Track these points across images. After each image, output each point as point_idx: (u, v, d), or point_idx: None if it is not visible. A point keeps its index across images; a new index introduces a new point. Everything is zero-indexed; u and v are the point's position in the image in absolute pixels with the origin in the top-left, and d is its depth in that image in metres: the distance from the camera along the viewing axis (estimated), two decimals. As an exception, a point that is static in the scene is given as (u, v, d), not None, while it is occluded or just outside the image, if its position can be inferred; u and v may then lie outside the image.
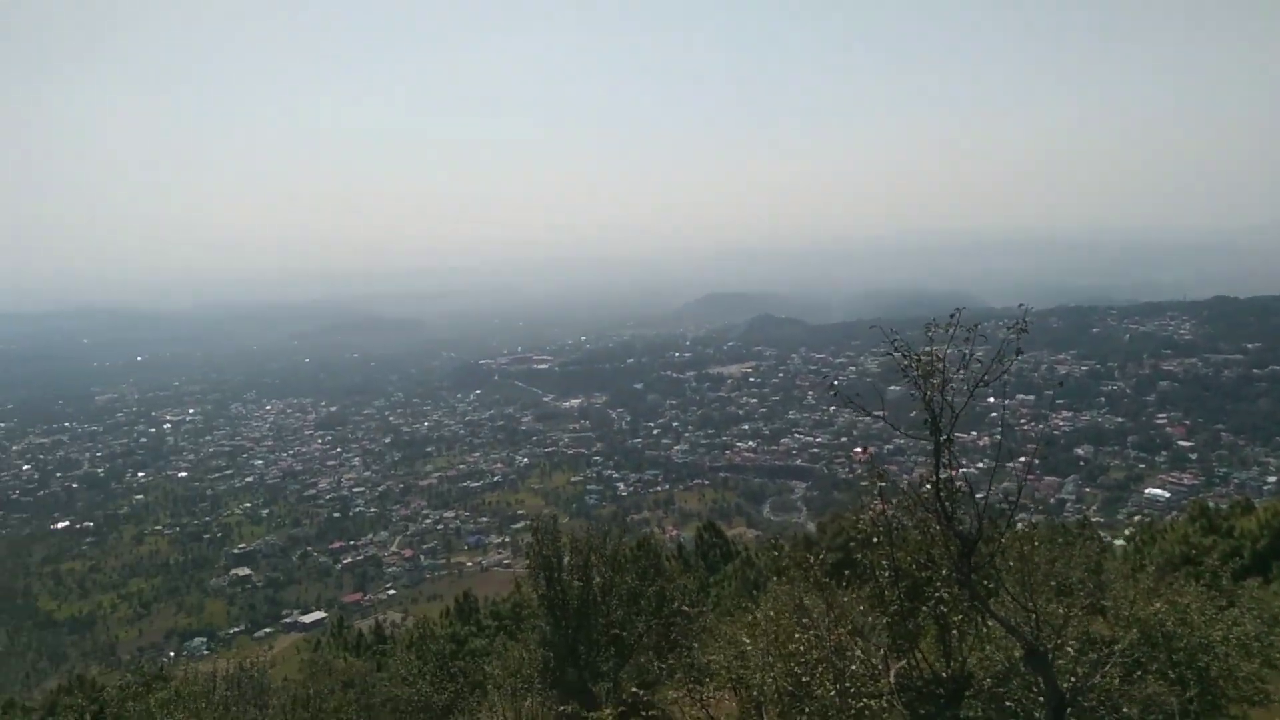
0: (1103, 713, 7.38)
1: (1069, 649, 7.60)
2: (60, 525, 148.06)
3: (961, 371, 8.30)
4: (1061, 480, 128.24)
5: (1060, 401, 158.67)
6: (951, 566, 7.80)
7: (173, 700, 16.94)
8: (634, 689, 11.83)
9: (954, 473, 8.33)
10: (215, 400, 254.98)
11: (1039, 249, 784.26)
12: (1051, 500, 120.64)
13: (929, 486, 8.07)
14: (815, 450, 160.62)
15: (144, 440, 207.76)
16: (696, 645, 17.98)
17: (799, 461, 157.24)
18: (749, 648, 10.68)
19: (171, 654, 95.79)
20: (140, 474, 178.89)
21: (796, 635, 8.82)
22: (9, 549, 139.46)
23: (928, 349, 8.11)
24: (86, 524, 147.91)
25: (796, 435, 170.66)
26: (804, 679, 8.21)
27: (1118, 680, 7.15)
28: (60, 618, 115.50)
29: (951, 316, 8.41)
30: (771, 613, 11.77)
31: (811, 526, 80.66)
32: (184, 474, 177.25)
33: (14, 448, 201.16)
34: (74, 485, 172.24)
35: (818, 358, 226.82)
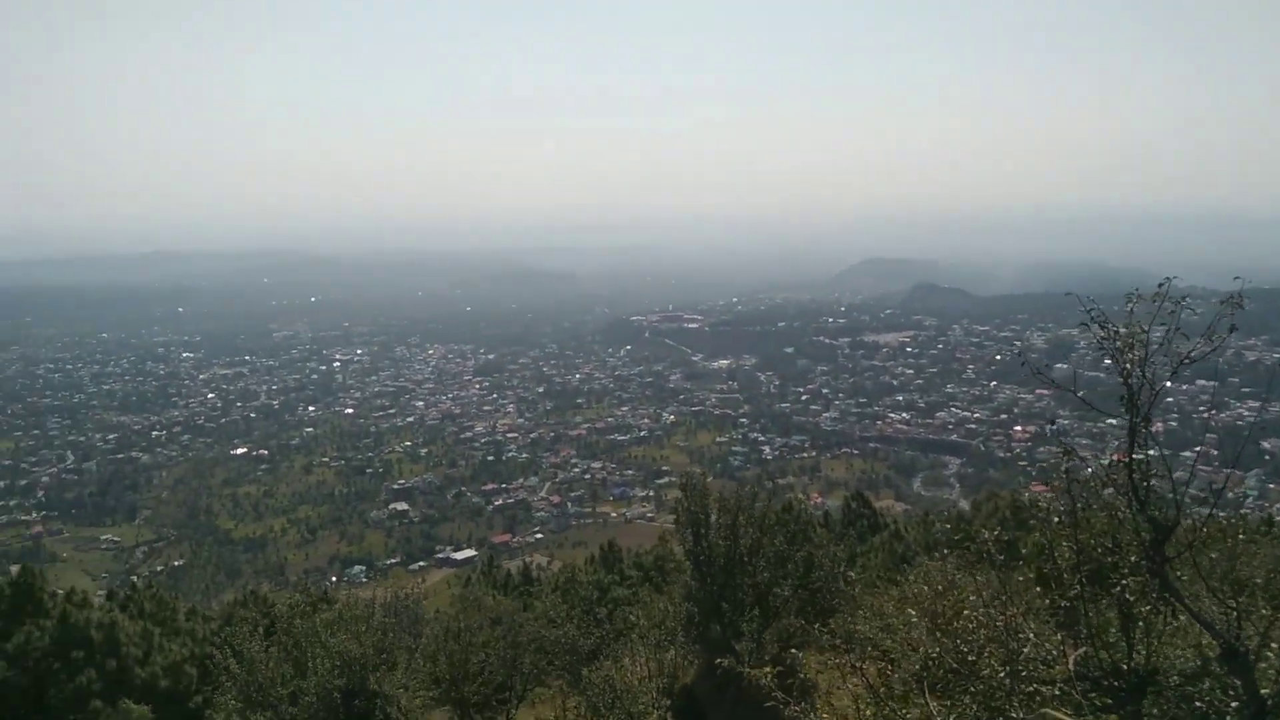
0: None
1: (1270, 653, 6.99)
2: (239, 451, 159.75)
3: (1160, 348, 7.69)
4: (1244, 474, 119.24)
5: (1246, 390, 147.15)
6: (1141, 554, 7.29)
7: (336, 621, 17.91)
8: (780, 649, 11.72)
9: (1147, 455, 7.76)
10: (381, 342, 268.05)
11: (1228, 227, 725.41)
12: (1231, 495, 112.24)
13: (1121, 465, 7.55)
14: (972, 426, 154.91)
15: (315, 377, 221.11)
16: (843, 611, 17.71)
17: (954, 437, 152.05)
18: (913, 619, 10.38)
19: (334, 579, 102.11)
20: (311, 408, 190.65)
21: (965, 613, 8.49)
22: (195, 470, 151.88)
23: (1129, 322, 7.54)
24: (261, 451, 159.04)
25: (953, 409, 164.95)
26: (970, 657, 7.89)
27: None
28: (237, 537, 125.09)
29: (1160, 287, 7.77)
30: (930, 587, 11.40)
31: (965, 504, 78.09)
32: (350, 410, 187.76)
33: (200, 377, 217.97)
34: (252, 415, 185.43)
35: (981, 330, 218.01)
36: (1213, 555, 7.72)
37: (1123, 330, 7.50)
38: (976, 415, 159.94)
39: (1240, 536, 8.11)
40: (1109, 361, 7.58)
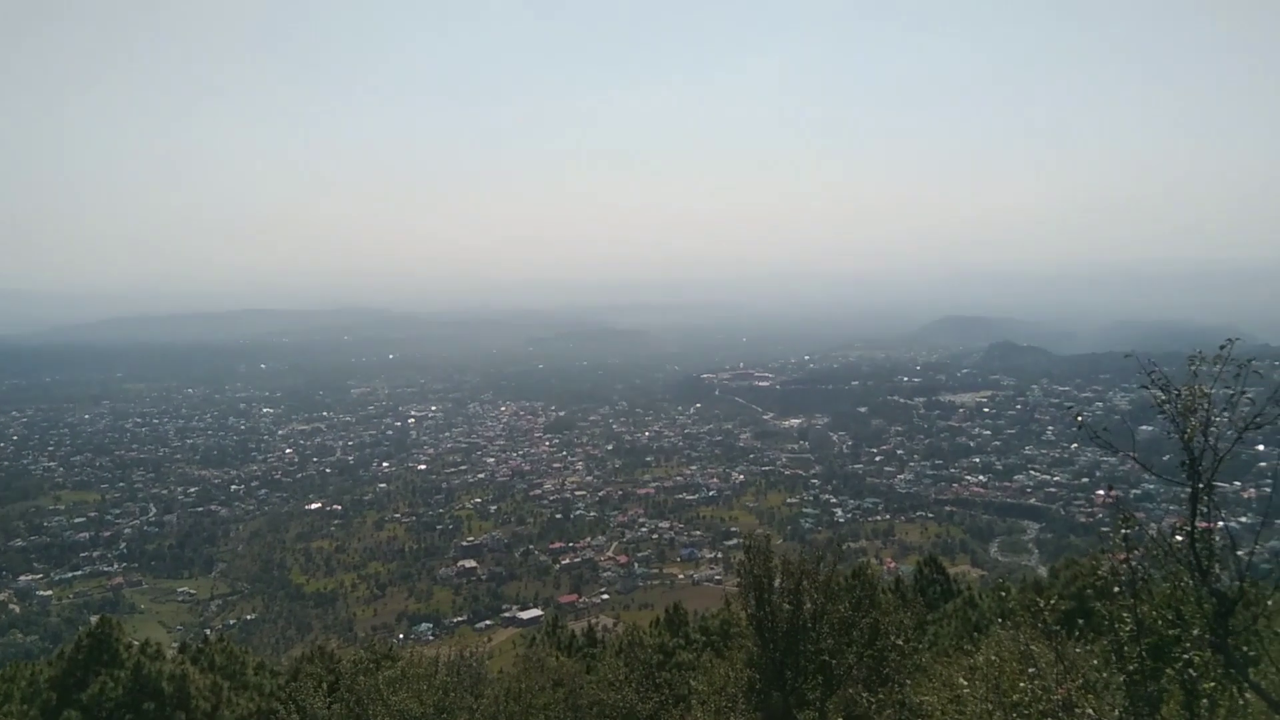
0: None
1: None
2: (313, 506, 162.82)
3: (1228, 412, 7.46)
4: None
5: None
6: (1205, 627, 6.98)
7: (399, 679, 18.06)
8: (843, 718, 11.44)
9: (1213, 524, 7.49)
10: (455, 399, 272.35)
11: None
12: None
13: (1182, 536, 7.29)
14: (1052, 490, 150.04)
15: (390, 433, 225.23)
16: (909, 683, 17.20)
17: (1033, 500, 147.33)
18: (966, 690, 10.06)
19: (401, 635, 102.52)
20: (385, 464, 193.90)
21: (1021, 685, 8.20)
22: (270, 525, 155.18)
23: (1190, 385, 7.33)
24: (335, 507, 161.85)
25: (1032, 472, 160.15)
26: (1026, 731, 7.61)
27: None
28: (308, 591, 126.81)
29: (1221, 349, 7.56)
30: (994, 657, 11.05)
31: (1043, 571, 75.42)
32: (423, 467, 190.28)
33: (280, 432, 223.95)
34: (327, 470, 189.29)
35: (1061, 390, 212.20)
36: (1278, 629, 7.37)
37: (1184, 393, 7.31)
38: (1056, 478, 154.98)
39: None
40: (1167, 431, 7.38)
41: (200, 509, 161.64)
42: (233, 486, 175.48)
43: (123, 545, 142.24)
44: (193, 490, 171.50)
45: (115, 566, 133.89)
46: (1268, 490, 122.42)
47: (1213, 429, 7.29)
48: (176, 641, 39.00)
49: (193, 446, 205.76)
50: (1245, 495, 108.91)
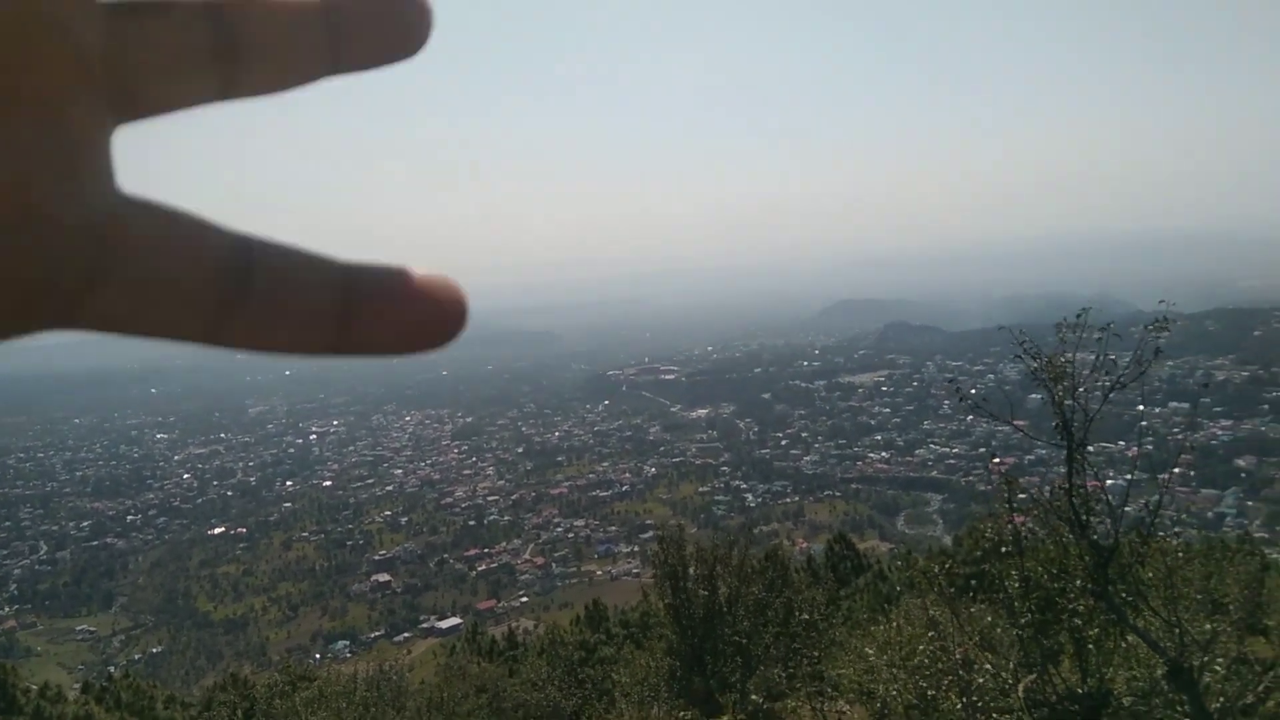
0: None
1: (1217, 667, 7.12)
2: (216, 531, 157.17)
3: (1099, 375, 7.94)
4: (1220, 493, 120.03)
5: (1219, 409, 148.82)
6: (1086, 578, 7.45)
7: (316, 699, 17.76)
8: (758, 699, 11.75)
9: (1090, 482, 7.98)
10: (358, 412, 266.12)
11: (1196, 249, 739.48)
12: (1209, 514, 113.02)
13: (1062, 492, 7.75)
14: (952, 461, 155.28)
15: (292, 450, 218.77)
16: (820, 656, 17.73)
17: (935, 473, 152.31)
18: (873, 659, 10.47)
19: (317, 655, 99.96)
20: (289, 483, 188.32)
21: (920, 648, 8.59)
22: (172, 553, 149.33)
23: (1057, 352, 7.79)
24: (240, 530, 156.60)
25: (932, 446, 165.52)
26: (929, 692, 7.99)
27: (1273, 702, 6.66)
28: (216, 619, 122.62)
29: (1078, 316, 8.06)
30: (900, 623, 11.50)
31: (948, 539, 78.20)
32: (329, 483, 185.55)
33: (175, 458, 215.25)
34: (229, 493, 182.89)
35: (954, 365, 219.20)
36: (1150, 574, 7.91)
37: (1050, 361, 7.76)
38: (955, 450, 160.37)
39: (1179, 554, 8.30)
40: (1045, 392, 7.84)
41: (95, 543, 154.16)
42: (129, 517, 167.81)
43: (13, 586, 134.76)
44: (86, 524, 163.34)
45: (6, 609, 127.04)
46: (1150, 449, 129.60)
47: (1082, 391, 7.75)
48: (78, 682, 37.32)
49: (83, 478, 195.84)
50: (1129, 454, 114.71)
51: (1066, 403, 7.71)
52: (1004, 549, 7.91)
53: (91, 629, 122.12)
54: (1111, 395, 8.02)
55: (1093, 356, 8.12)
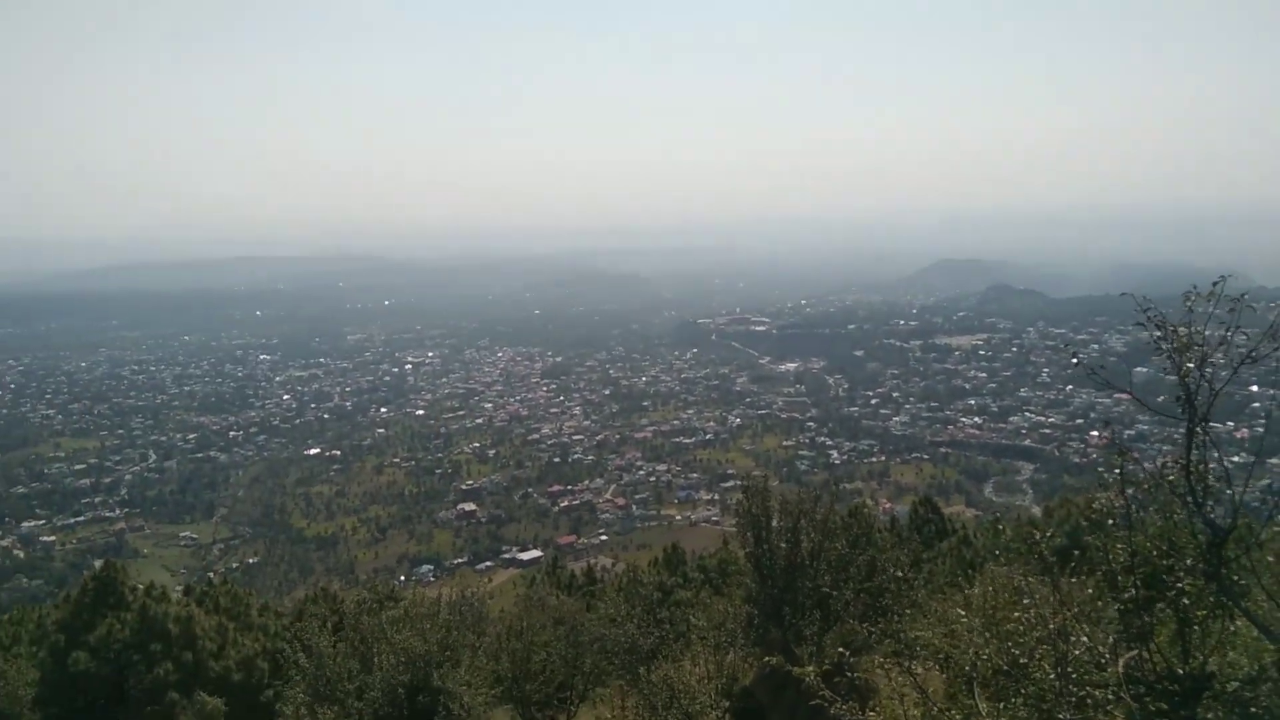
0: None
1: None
2: (312, 451, 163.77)
3: (1223, 350, 7.53)
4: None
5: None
6: (1198, 557, 7.16)
7: (402, 619, 18.34)
8: (843, 650, 11.71)
9: (1208, 461, 7.62)
10: (452, 345, 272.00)
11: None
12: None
13: (1176, 472, 7.42)
14: (1046, 431, 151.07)
15: (387, 379, 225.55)
16: (903, 616, 17.52)
17: (1028, 442, 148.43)
18: (962, 622, 10.30)
19: (402, 578, 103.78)
20: (383, 410, 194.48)
21: (1015, 615, 8.41)
22: (270, 470, 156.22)
23: (1186, 322, 7.40)
24: (334, 452, 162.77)
25: (1027, 413, 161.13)
26: (1021, 659, 7.82)
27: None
28: (309, 535, 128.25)
29: (1215, 285, 7.62)
30: (991, 589, 11.30)
31: (1037, 510, 76.29)
32: (421, 412, 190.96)
33: (277, 379, 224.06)
34: (325, 416, 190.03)
35: (1057, 333, 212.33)
36: (1270, 559, 7.53)
37: (1181, 331, 7.39)
38: (1051, 420, 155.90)
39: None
40: (1161, 372, 7.48)
41: (200, 455, 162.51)
42: (231, 433, 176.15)
43: (124, 491, 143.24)
44: (192, 436, 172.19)
45: (117, 512, 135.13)
46: (1260, 430, 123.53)
47: (1208, 367, 7.37)
48: (180, 585, 39.52)
49: (190, 393, 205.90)
50: (1239, 435, 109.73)
51: (1194, 374, 7.33)
52: (1110, 521, 7.63)
53: (194, 536, 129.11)
54: (1239, 369, 7.60)
55: (1216, 332, 7.68)
